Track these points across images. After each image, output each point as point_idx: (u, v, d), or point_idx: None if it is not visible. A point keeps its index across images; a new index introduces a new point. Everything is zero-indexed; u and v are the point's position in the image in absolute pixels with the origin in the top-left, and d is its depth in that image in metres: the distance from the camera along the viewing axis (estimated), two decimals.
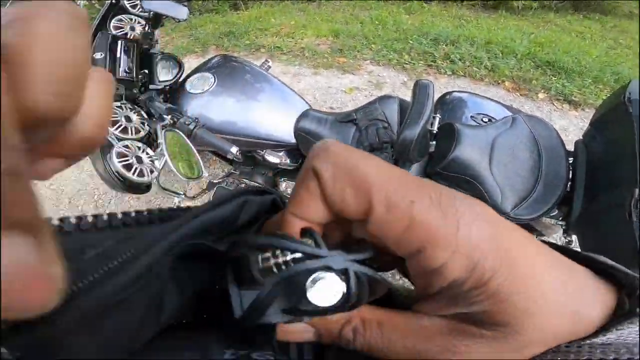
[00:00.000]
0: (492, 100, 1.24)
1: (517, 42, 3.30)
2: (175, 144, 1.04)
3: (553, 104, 2.73)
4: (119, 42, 1.17)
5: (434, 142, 1.00)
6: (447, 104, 1.23)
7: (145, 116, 1.14)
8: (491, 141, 0.93)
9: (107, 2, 1.23)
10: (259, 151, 1.34)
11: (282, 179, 1.46)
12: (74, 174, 2.31)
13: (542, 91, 2.78)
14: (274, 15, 4.18)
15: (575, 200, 0.86)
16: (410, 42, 3.13)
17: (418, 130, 0.84)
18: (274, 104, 1.31)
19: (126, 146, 1.00)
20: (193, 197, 1.31)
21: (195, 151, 1.01)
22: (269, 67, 1.60)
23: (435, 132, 0.98)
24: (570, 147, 1.04)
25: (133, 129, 1.07)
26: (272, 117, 1.28)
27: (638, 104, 0.78)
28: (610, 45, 4.10)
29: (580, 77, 2.97)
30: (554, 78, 2.93)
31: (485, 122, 1.13)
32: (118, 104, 1.10)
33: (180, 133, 1.01)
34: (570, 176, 0.93)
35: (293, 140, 1.26)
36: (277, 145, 1.29)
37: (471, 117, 1.16)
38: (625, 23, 5.22)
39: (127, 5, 1.23)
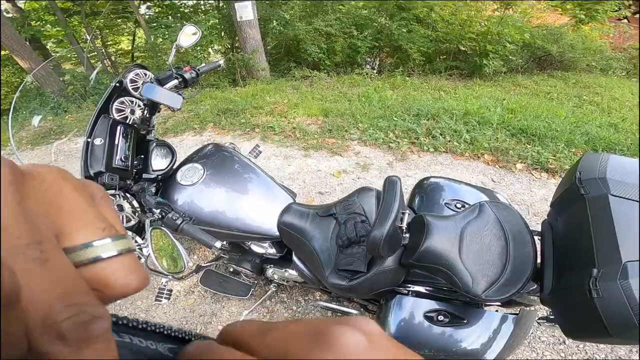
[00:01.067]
0: (465, 184, 1.34)
1: (492, 111, 3.60)
2: (161, 240, 1.08)
3: (531, 173, 2.91)
4: (119, 127, 1.22)
5: (407, 235, 1.04)
6: (425, 190, 1.33)
7: (136, 205, 1.18)
8: (460, 230, 1.00)
9: (112, 84, 1.30)
10: (246, 242, 1.40)
11: (269, 266, 1.50)
12: None
13: (520, 161, 2.98)
14: (269, 93, 4.52)
15: (545, 278, 0.92)
16: (395, 119, 3.39)
17: (386, 230, 0.91)
18: (260, 198, 1.37)
19: None
20: (181, 278, 1.33)
21: (180, 247, 1.05)
22: (260, 152, 1.70)
23: (404, 227, 1.01)
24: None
25: (124, 217, 1.14)
26: (258, 211, 1.34)
27: (590, 184, 0.85)
28: (575, 104, 4.47)
29: (553, 142, 3.20)
30: (528, 146, 3.15)
31: (459, 208, 1.24)
32: (112, 192, 1.14)
33: (166, 230, 1.06)
34: (539, 255, 0.98)
35: (277, 233, 1.31)
36: (262, 238, 1.34)
37: (445, 203, 1.26)
38: (585, 77, 5.73)
39: (130, 88, 1.29)
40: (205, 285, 1.75)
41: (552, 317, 0.99)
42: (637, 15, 9.15)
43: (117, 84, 1.29)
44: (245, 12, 5.01)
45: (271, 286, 1.71)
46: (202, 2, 8.72)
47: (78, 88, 5.88)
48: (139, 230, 1.21)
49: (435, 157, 2.99)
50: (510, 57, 5.21)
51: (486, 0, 5.69)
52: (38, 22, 8.44)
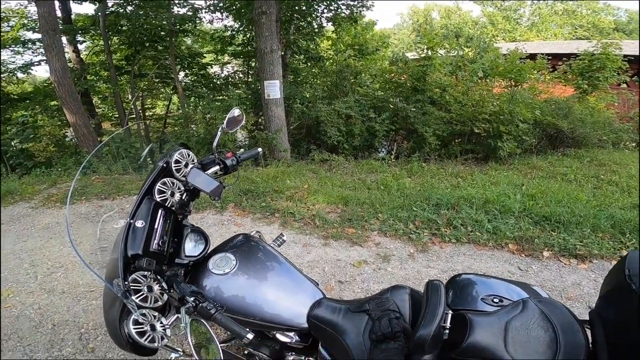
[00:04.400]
0: (499, 278, 1.33)
1: (512, 198, 3.66)
2: (198, 332, 1.09)
3: (560, 260, 2.86)
4: (159, 210, 1.22)
5: (447, 331, 1.03)
6: (458, 286, 1.31)
7: (165, 286, 1.17)
8: (504, 325, 0.99)
9: (159, 164, 1.30)
10: (271, 331, 1.37)
11: (290, 353, 1.45)
12: (67, 302, 2.33)
13: (546, 249, 2.95)
14: (289, 176, 4.73)
15: None
16: (415, 209, 3.49)
17: (433, 329, 0.94)
18: (289, 290, 1.37)
19: (143, 314, 1.05)
20: (191, 355, 1.29)
21: (215, 339, 1.05)
22: (284, 241, 1.69)
23: (448, 327, 1.02)
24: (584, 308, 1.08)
25: (153, 298, 1.12)
26: (287, 303, 1.33)
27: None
28: (594, 185, 4.49)
29: (578, 228, 3.18)
30: (553, 233, 3.14)
31: (496, 302, 1.20)
32: (145, 273, 1.14)
33: (204, 322, 1.06)
34: (591, 344, 0.95)
35: (305, 325, 1.29)
36: (289, 329, 1.33)
37: (482, 299, 1.22)
38: (599, 153, 5.81)
39: (174, 169, 1.29)
40: None
41: None
42: (635, 78, 9.56)
43: (164, 165, 1.30)
44: (274, 90, 5.39)
45: None
46: (232, 75, 9.43)
47: (112, 149, 5.95)
48: (163, 310, 1.22)
49: (458, 248, 2.99)
50: (523, 137, 5.37)
51: None
52: (93, 77, 8.92)
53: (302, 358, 1.45)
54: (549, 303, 1.10)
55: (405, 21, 38.33)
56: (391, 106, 6.10)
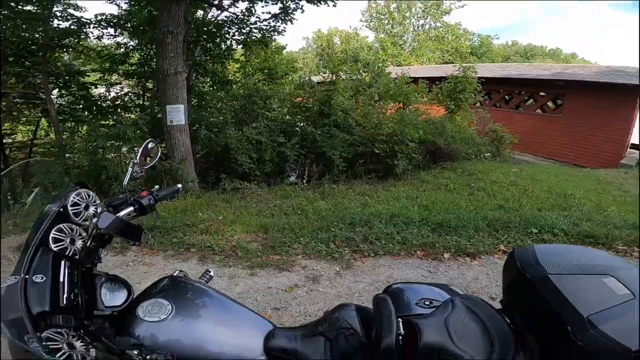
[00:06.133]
0: (422, 283, 1.50)
1: (412, 210, 4.16)
2: None
3: (457, 260, 3.34)
4: (62, 262, 1.07)
5: (400, 337, 1.08)
6: (394, 296, 1.39)
7: (88, 339, 1.00)
8: (443, 323, 1.11)
9: (53, 209, 1.12)
10: None
11: None
12: None
13: (445, 251, 3.42)
14: (200, 208, 4.39)
15: (530, 342, 1.07)
16: (332, 229, 3.65)
17: (394, 337, 1.01)
18: (237, 325, 1.29)
19: None
20: None
21: None
22: (211, 277, 1.58)
23: (402, 333, 1.08)
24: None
25: (78, 356, 0.95)
26: (239, 340, 1.26)
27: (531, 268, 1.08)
28: (469, 192, 5.39)
29: (465, 230, 3.76)
30: (447, 237, 3.65)
31: (427, 305, 1.35)
32: (60, 330, 0.95)
33: None
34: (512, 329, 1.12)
35: (264, 359, 1.24)
36: None
37: (416, 304, 1.36)
38: (467, 165, 6.90)
39: (71, 212, 1.12)
40: None
41: None
42: (487, 101, 12.00)
43: (61, 210, 1.13)
44: (177, 116, 4.97)
45: None
46: (123, 97, 8.17)
47: None
48: None
49: (377, 261, 3.23)
50: (413, 155, 6.11)
51: None
52: None
53: None
54: (470, 298, 1.26)
55: (310, 45, 40.08)
56: (299, 130, 6.31)
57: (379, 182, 5.83)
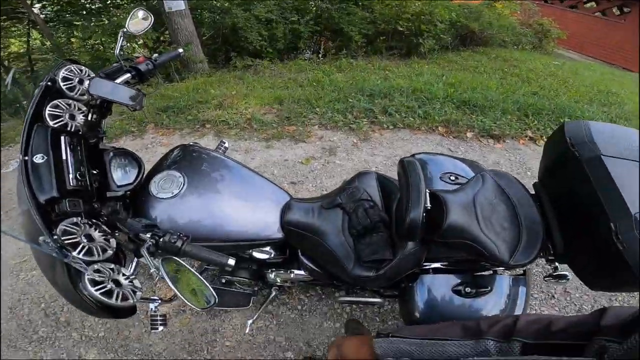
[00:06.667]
0: (449, 156, 1.37)
1: (436, 86, 3.81)
2: (176, 272, 0.86)
3: (480, 140, 3.16)
4: (62, 137, 0.98)
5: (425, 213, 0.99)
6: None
7: (106, 229, 0.94)
8: (472, 201, 1.01)
9: (41, 83, 1.04)
10: (246, 250, 1.24)
11: (269, 270, 1.37)
12: (9, 282, 1.99)
13: (469, 130, 3.21)
14: (212, 86, 4.14)
15: (555, 237, 0.98)
16: (350, 100, 3.39)
17: (422, 210, 0.90)
18: (254, 198, 1.22)
19: (98, 271, 0.83)
20: (170, 300, 1.08)
21: (201, 277, 0.83)
22: (226, 148, 1.50)
23: (429, 207, 0.97)
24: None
25: (98, 248, 0.88)
26: (256, 214, 1.19)
27: (584, 146, 0.92)
28: (500, 76, 4.92)
29: (492, 111, 3.49)
30: (473, 116, 3.41)
31: (452, 180, 1.26)
32: (74, 220, 0.87)
33: (180, 261, 0.84)
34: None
35: (280, 235, 1.20)
36: (264, 243, 1.21)
37: (440, 177, 1.27)
38: (502, 52, 6.31)
39: (64, 88, 1.04)
40: None
41: (557, 274, 1.06)
42: None
43: (49, 84, 1.03)
44: (175, 2, 4.51)
45: (272, 290, 1.58)
46: None
47: None
48: (118, 260, 0.95)
49: (395, 134, 3.07)
50: (441, 35, 5.54)
51: None
52: None
53: (285, 273, 1.35)
54: (504, 176, 1.11)
55: None
56: (314, 8, 5.60)
57: (401, 59, 5.31)
